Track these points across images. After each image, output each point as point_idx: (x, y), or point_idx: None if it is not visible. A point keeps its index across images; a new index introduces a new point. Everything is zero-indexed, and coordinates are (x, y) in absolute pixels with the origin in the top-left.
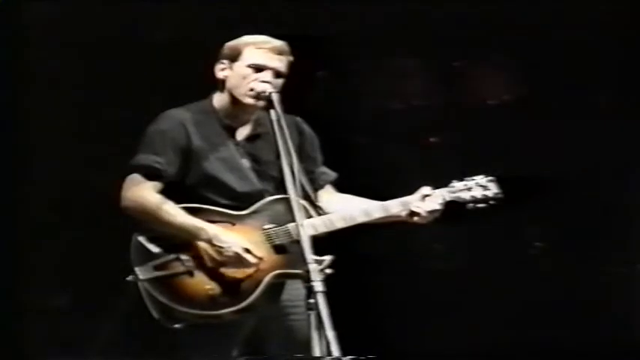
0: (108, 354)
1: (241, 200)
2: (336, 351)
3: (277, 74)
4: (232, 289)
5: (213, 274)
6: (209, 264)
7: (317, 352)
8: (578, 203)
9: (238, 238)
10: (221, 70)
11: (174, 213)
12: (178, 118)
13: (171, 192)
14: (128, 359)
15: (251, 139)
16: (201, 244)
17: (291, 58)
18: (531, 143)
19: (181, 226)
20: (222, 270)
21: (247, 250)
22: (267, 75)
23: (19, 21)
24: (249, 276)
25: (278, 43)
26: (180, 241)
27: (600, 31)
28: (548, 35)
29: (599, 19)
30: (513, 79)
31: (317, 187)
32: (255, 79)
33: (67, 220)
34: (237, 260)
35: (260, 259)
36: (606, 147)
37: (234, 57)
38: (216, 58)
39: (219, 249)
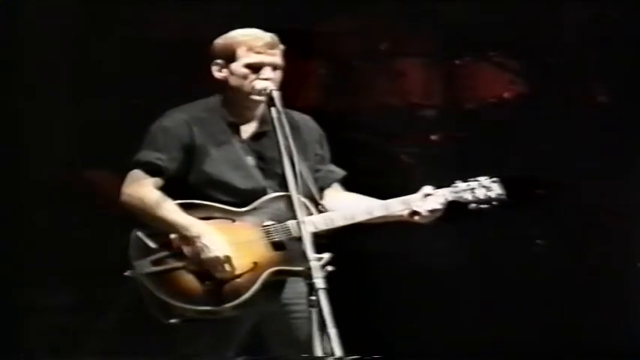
0: (106, 350)
1: (244, 197)
2: (337, 348)
3: (275, 67)
4: (230, 285)
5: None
6: (189, 258)
7: (318, 349)
8: (578, 203)
9: (224, 246)
10: (218, 71)
11: (170, 210)
12: (182, 115)
13: (174, 189)
14: (126, 355)
15: (257, 136)
16: (188, 239)
17: (282, 47)
18: (532, 142)
19: (173, 223)
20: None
21: (227, 259)
22: (266, 72)
23: (18, 21)
24: (248, 272)
25: (268, 37)
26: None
27: (601, 31)
28: (550, 35)
29: (600, 18)
30: (515, 77)
31: (324, 185)
32: (256, 78)
33: (66, 219)
34: (215, 264)
35: (233, 274)
36: (607, 147)
37: (228, 57)
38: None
39: (201, 247)
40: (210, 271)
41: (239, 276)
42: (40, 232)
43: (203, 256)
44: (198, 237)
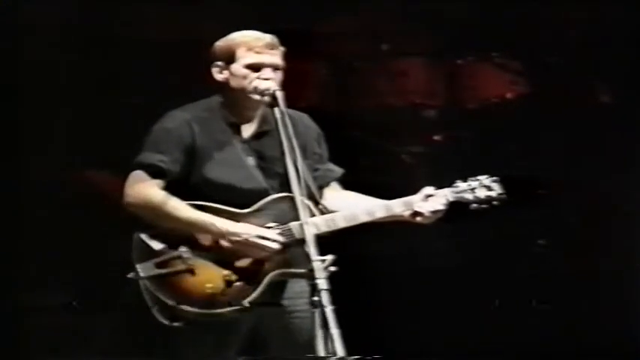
0: (108, 353)
1: (246, 198)
2: (340, 349)
3: (275, 68)
4: (233, 288)
5: (214, 272)
6: (225, 258)
7: (321, 350)
8: (578, 203)
9: (249, 227)
10: (219, 73)
11: (182, 208)
12: (183, 116)
13: (176, 190)
14: (128, 358)
15: (257, 136)
16: (213, 239)
17: (282, 49)
18: (533, 142)
19: (189, 221)
20: (223, 268)
21: (262, 237)
22: (266, 72)
23: (18, 20)
24: (251, 274)
25: (267, 38)
26: (181, 238)
27: (601, 31)
28: (550, 35)
29: (600, 18)
30: (516, 77)
31: (322, 184)
32: (257, 78)
33: (66, 219)
34: (257, 248)
35: (279, 241)
36: (607, 146)
37: (228, 59)
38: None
39: (234, 241)
40: (252, 255)
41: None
42: (40, 232)
43: (240, 247)
44: (222, 234)
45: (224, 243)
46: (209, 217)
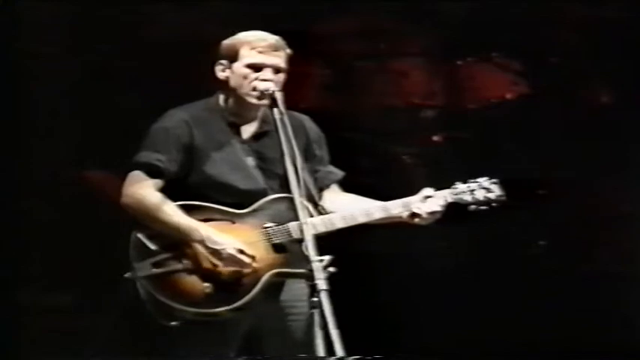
0: (106, 352)
1: (244, 198)
2: (339, 349)
3: (277, 70)
4: (230, 288)
5: (211, 272)
6: (203, 264)
7: (320, 350)
8: (578, 203)
9: (232, 239)
10: (221, 71)
11: (172, 213)
12: (182, 116)
13: (174, 190)
14: (125, 357)
15: (257, 137)
16: (195, 245)
17: (289, 52)
18: (534, 143)
19: (176, 226)
20: (220, 268)
21: (241, 251)
22: (266, 73)
23: (19, 20)
24: (248, 275)
25: (273, 39)
26: (178, 238)
27: (601, 30)
28: (550, 35)
29: (600, 18)
30: (517, 77)
31: (323, 186)
32: (256, 78)
33: (66, 219)
34: (232, 261)
35: (253, 258)
36: (607, 146)
37: (232, 57)
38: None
39: (213, 250)
40: (228, 267)
41: (243, 275)
42: (40, 232)
43: (216, 257)
44: (203, 241)
45: (202, 251)
46: (194, 223)
